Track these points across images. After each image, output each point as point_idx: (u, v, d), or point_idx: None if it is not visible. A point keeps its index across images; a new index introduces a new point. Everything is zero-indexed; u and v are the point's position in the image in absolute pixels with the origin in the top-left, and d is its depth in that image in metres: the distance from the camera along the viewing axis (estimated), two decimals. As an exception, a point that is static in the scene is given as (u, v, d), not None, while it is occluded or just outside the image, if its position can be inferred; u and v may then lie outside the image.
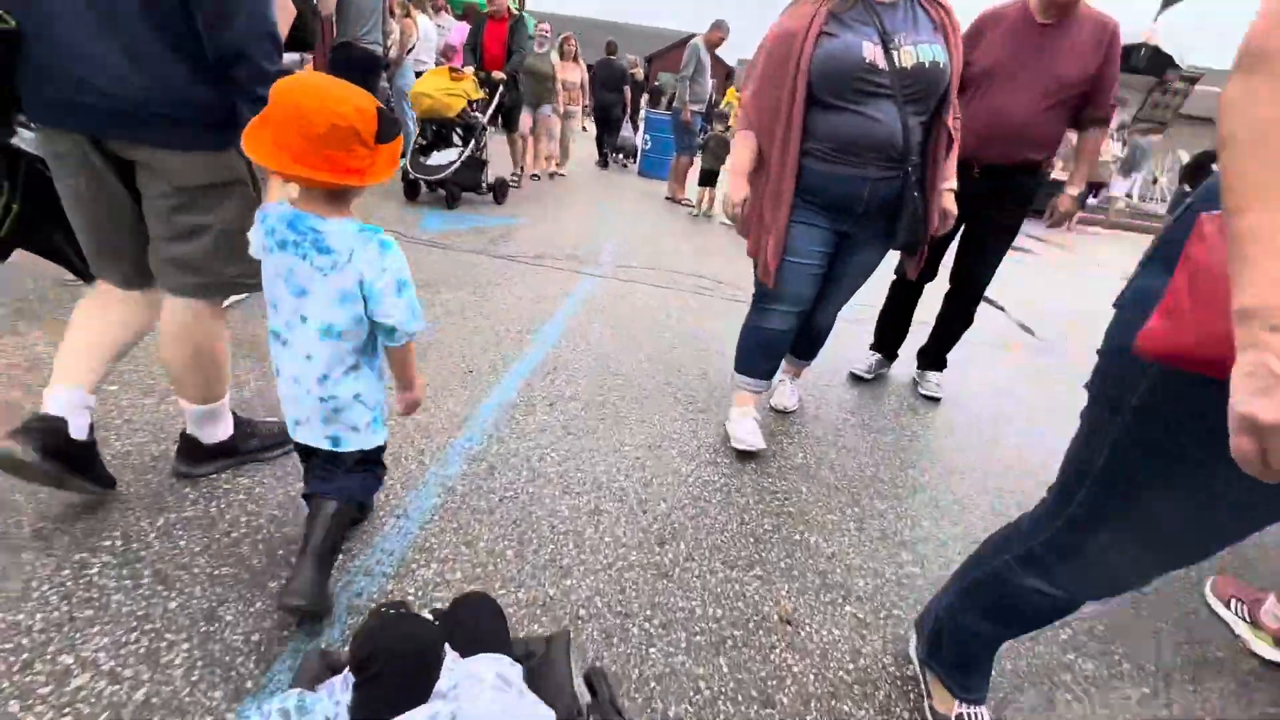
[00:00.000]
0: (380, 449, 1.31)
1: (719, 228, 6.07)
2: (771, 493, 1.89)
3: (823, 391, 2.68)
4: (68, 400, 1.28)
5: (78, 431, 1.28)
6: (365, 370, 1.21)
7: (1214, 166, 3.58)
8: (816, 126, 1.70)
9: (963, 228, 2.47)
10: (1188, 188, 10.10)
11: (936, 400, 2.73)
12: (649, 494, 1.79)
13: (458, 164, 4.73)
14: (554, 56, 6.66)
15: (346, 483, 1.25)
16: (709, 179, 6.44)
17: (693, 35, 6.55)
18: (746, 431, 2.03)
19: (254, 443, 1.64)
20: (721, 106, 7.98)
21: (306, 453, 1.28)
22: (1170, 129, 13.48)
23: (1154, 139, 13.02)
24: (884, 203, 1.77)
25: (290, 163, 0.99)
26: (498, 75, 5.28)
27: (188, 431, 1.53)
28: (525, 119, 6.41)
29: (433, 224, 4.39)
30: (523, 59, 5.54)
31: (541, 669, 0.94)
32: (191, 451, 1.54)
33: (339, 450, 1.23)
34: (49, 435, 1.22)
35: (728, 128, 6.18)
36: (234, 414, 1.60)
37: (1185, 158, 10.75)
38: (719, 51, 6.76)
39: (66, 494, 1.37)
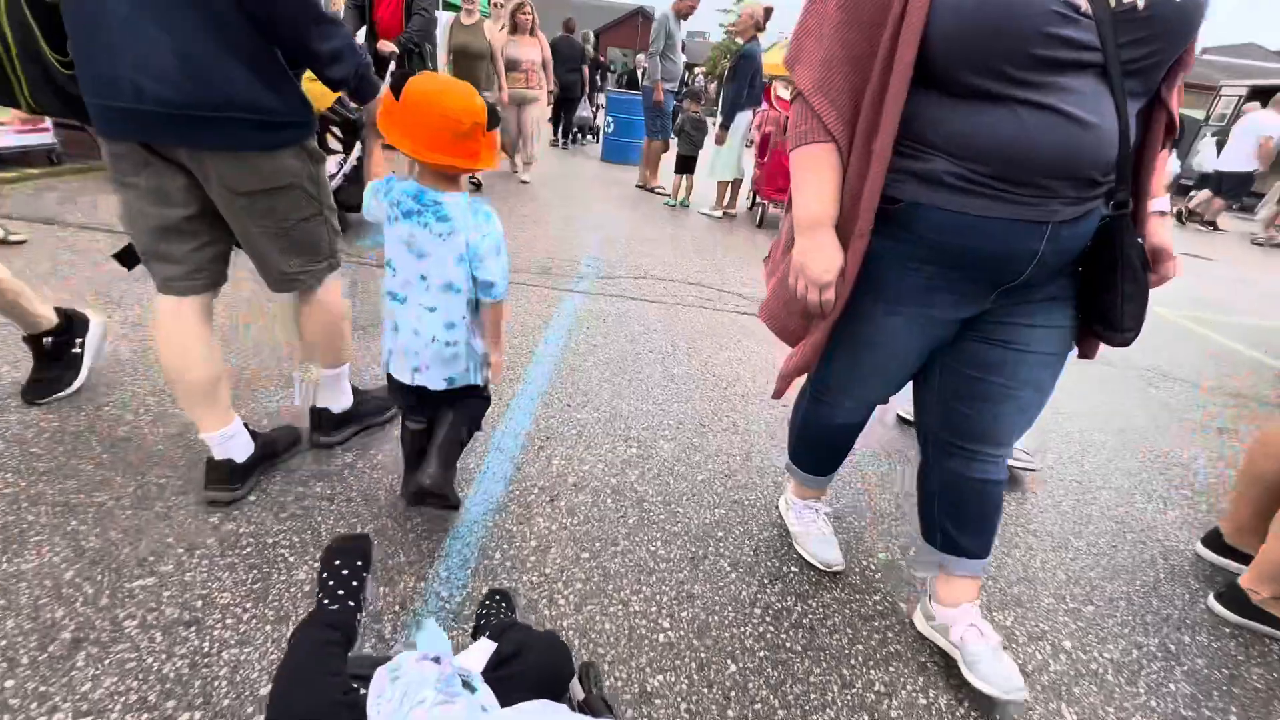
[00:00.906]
0: (483, 386, 1.48)
1: (700, 219, 5.54)
2: (865, 618, 1.40)
3: (866, 432, 2.21)
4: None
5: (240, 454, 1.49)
6: (476, 321, 1.38)
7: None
8: (946, 126, 0.94)
9: None
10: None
11: (1031, 471, 2.05)
12: (708, 648, 1.28)
13: (338, 177, 3.30)
14: (488, 27, 5.05)
15: (465, 406, 1.46)
16: (686, 165, 5.87)
17: (641, 8, 5.82)
18: (820, 544, 1.53)
19: (370, 407, 1.82)
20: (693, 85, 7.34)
21: (419, 396, 1.41)
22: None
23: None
24: (1065, 260, 1.01)
25: (431, 152, 1.17)
26: (386, 47, 3.91)
27: (317, 405, 1.71)
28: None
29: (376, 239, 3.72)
30: (425, 24, 4.16)
31: None
32: (323, 422, 1.72)
33: (453, 388, 1.39)
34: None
35: (734, 102, 5.38)
36: (355, 387, 1.78)
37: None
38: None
39: None
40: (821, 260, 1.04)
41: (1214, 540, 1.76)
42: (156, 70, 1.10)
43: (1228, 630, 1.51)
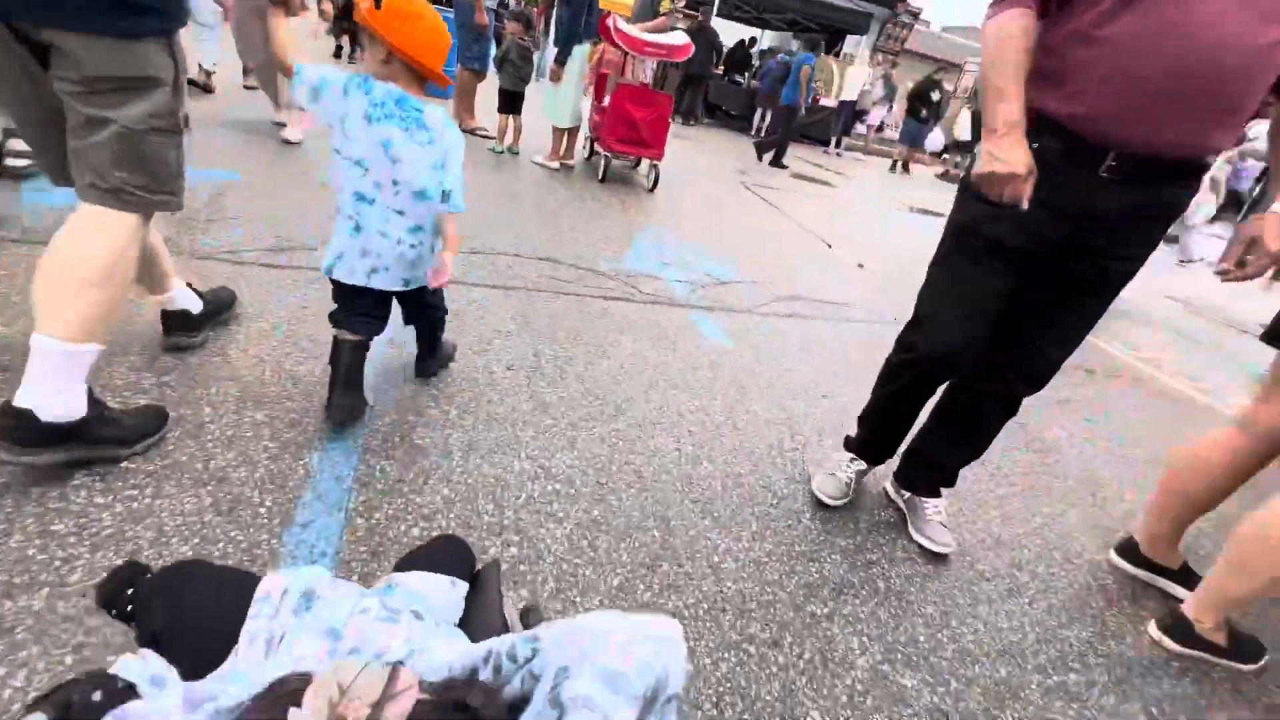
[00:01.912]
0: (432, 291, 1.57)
1: (533, 171, 4.74)
2: None
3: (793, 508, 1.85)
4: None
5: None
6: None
7: (933, 95, 2.76)
8: None
9: (1047, 269, 1.31)
10: (925, 115, 11.33)
11: (943, 556, 1.58)
12: None
13: None
14: None
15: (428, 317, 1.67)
16: (512, 103, 4.93)
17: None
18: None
19: (107, 432, 1.22)
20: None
21: (371, 299, 1.48)
22: (899, 61, 15.10)
23: (892, 70, 14.43)
24: None
25: (435, 63, 1.32)
26: None
27: (15, 403, 1.10)
28: None
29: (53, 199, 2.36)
30: None
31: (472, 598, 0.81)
32: (23, 430, 1.10)
33: (408, 290, 1.50)
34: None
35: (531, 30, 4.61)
36: (91, 391, 1.20)
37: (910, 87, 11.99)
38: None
39: None
40: None
41: (1129, 551, 1.71)
42: None
43: (1188, 671, 1.42)
